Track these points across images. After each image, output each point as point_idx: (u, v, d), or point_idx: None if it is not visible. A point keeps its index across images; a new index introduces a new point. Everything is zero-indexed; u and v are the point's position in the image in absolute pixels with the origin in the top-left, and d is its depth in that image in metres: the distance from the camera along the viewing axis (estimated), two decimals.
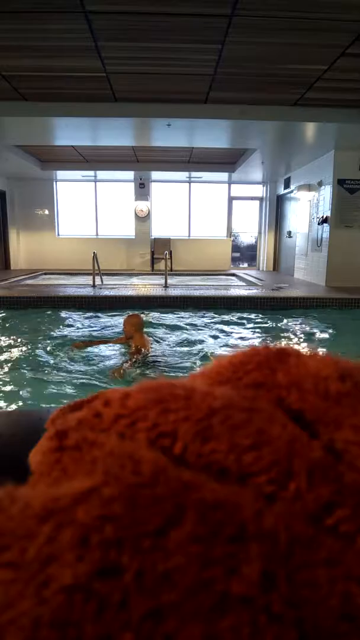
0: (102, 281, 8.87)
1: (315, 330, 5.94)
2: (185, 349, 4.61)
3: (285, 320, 6.44)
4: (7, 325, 5.95)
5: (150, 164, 11.32)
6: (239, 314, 6.72)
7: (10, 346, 4.82)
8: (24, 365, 4.06)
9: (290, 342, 5.33)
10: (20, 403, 3.24)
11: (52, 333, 5.33)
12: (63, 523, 0.15)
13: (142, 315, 4.96)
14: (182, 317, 6.41)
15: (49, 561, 0.14)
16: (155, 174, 12.40)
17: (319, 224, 9.08)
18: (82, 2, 3.76)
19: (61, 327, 5.77)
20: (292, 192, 11.05)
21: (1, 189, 12.23)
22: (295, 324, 6.28)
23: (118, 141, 8.37)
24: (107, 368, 3.86)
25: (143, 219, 13.08)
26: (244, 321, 6.39)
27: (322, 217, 8.91)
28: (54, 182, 13.07)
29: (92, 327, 5.82)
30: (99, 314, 6.60)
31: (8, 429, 0.42)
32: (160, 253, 12.19)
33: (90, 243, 12.37)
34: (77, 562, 0.14)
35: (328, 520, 0.17)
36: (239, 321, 6.38)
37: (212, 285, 9.17)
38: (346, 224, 8.62)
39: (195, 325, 5.96)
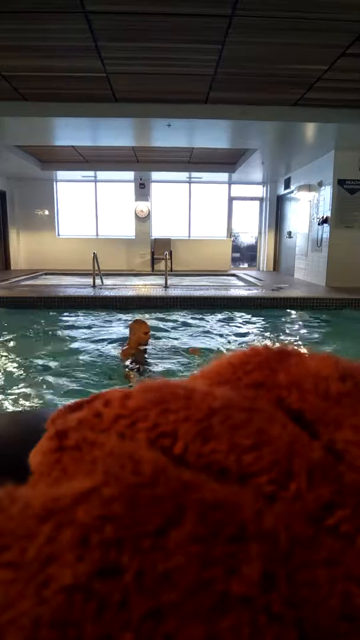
0: (102, 281, 8.87)
1: (315, 331, 5.94)
2: (185, 349, 4.60)
3: (285, 321, 6.44)
4: (7, 325, 5.94)
5: (150, 164, 11.32)
6: (239, 315, 6.72)
7: (10, 346, 4.82)
8: (24, 365, 4.06)
9: (290, 343, 5.33)
10: (21, 403, 3.24)
11: (52, 333, 5.33)
12: (63, 523, 0.15)
13: (143, 318, 4.81)
14: (182, 318, 6.41)
15: (49, 561, 0.14)
16: (156, 174, 12.39)
17: (319, 224, 9.08)
18: (82, 2, 3.76)
19: (61, 327, 5.77)
20: (292, 192, 11.05)
21: (1, 189, 12.23)
22: (296, 325, 6.28)
23: (118, 141, 8.37)
24: (108, 370, 3.86)
25: (143, 219, 13.08)
26: (244, 321, 6.38)
27: (322, 217, 8.91)
28: (54, 182, 13.06)
29: (92, 327, 5.82)
30: (99, 314, 6.60)
31: (8, 429, 0.42)
32: (160, 253, 12.18)
33: (91, 243, 12.36)
34: (77, 562, 0.14)
35: (328, 520, 0.17)
36: (238, 321, 6.38)
37: (213, 285, 9.17)
38: (346, 224, 8.62)
39: (195, 325, 5.96)
